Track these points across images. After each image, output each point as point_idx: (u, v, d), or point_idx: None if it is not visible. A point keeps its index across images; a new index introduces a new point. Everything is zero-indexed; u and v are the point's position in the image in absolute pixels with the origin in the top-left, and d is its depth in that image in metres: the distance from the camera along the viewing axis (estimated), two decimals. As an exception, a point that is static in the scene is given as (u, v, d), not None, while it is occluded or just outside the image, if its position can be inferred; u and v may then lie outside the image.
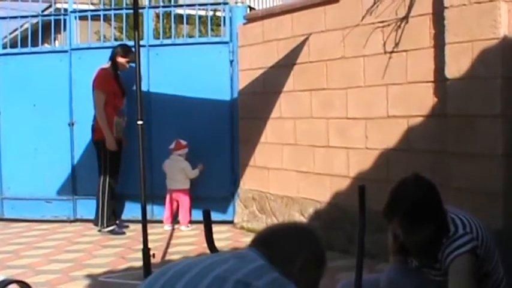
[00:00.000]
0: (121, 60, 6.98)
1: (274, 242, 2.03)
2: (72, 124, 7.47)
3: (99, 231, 6.85)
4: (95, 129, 6.90)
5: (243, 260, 1.92)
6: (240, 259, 1.92)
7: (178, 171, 7.01)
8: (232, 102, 7.11)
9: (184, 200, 7.03)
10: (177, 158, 7.02)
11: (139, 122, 4.99)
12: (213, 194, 7.01)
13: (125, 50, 6.96)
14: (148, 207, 6.39)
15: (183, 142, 7.02)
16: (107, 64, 6.97)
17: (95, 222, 6.96)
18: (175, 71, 7.21)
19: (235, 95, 7.08)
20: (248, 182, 6.93)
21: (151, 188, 6.83)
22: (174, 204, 7.14)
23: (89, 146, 7.21)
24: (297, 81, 6.16)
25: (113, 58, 6.99)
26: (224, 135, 7.16)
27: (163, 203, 7.14)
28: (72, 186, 7.49)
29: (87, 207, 7.27)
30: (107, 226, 6.81)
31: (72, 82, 7.47)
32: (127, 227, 7.07)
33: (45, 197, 7.56)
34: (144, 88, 6.50)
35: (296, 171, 6.19)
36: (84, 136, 7.26)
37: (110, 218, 6.84)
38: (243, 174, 7.00)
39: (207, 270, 1.86)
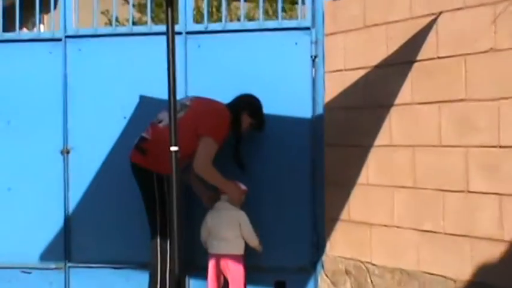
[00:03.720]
0: (247, 119, 7.03)
1: None
2: (67, 152, 7.58)
3: None
4: (151, 155, 6.79)
5: None
6: None
7: (230, 224, 6.98)
8: (314, 120, 7.18)
9: (236, 272, 7.01)
10: (226, 205, 7.01)
11: (173, 149, 5.03)
12: (285, 263, 7.14)
13: (257, 109, 7.04)
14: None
15: (243, 186, 7.05)
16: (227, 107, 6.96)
17: None
18: (226, 71, 7.28)
19: (320, 110, 7.14)
20: (338, 246, 6.97)
21: (192, 252, 6.92)
22: (221, 278, 7.14)
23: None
24: (418, 88, 6.17)
25: (235, 111, 6.96)
26: (301, 172, 7.21)
27: (204, 275, 7.12)
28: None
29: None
30: None
31: (67, 87, 7.58)
32: None
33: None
34: (179, 95, 6.45)
35: (415, 230, 6.19)
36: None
37: None
38: (330, 233, 7.06)
39: None
